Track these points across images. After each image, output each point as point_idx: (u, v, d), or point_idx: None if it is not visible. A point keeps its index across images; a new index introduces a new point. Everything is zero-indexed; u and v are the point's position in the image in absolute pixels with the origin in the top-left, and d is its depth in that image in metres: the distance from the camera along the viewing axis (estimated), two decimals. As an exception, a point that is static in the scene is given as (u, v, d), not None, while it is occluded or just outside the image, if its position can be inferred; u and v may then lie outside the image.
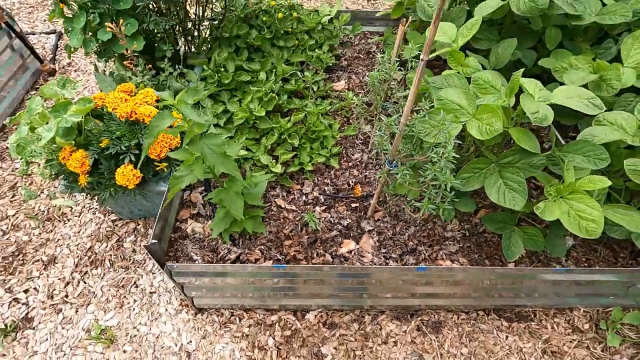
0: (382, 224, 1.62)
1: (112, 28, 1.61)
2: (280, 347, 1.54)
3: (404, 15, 2.23)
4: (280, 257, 1.50)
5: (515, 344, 1.57)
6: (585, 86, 1.50)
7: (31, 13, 3.36)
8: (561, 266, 1.57)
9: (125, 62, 1.73)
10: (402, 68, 1.51)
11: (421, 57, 1.03)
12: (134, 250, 1.83)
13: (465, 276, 1.33)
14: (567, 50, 1.83)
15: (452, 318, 1.61)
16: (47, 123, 1.48)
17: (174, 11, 1.81)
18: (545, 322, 1.62)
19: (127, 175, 1.42)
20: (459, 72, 1.61)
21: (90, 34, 1.82)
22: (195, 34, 2.06)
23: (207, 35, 2.14)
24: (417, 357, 1.54)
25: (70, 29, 1.79)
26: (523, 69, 1.29)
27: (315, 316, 1.64)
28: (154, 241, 1.30)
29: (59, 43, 3.03)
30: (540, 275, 1.38)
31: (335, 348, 1.57)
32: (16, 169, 2.18)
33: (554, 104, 1.27)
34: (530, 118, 1.17)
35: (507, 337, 1.59)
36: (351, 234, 1.60)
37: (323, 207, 1.68)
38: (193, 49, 2.09)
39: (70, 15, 1.79)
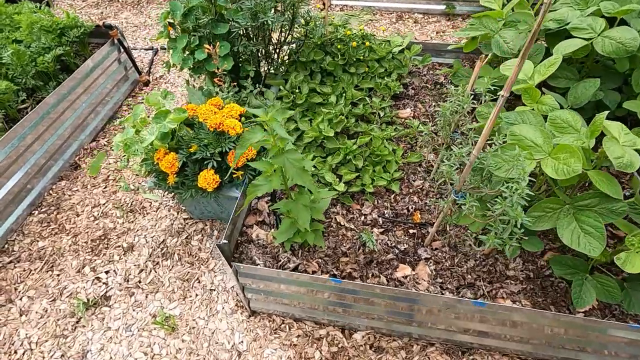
0: (439, 254, 1.61)
1: (209, 49, 1.83)
2: (326, 361, 1.57)
3: (477, 50, 2.25)
4: (336, 273, 1.55)
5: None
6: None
7: (135, 32, 3.87)
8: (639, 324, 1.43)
9: (215, 79, 1.94)
10: (475, 101, 1.53)
11: (501, 93, 1.06)
12: (199, 249, 2.00)
13: (525, 318, 1.28)
14: (658, 94, 1.73)
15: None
16: (147, 127, 1.71)
17: (261, 37, 2.01)
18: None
19: (208, 179, 1.58)
20: (533, 109, 1.59)
21: (188, 53, 2.08)
22: (275, 57, 2.26)
23: (285, 59, 2.33)
24: (466, 397, 1.48)
25: (172, 48, 2.06)
26: (607, 111, 1.25)
27: (363, 337, 1.65)
28: (225, 241, 1.42)
29: (154, 58, 3.45)
30: (612, 331, 1.28)
31: (380, 372, 1.56)
32: (109, 164, 2.50)
33: (641, 149, 1.21)
34: (613, 162, 1.13)
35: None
36: (407, 260, 1.61)
37: (381, 230, 1.71)
38: (271, 70, 2.28)
39: (174, 37, 2.07)
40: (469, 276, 1.53)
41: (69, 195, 2.29)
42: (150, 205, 2.21)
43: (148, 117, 1.85)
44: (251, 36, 2.01)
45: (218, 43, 1.85)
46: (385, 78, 2.32)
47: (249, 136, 1.10)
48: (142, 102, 2.86)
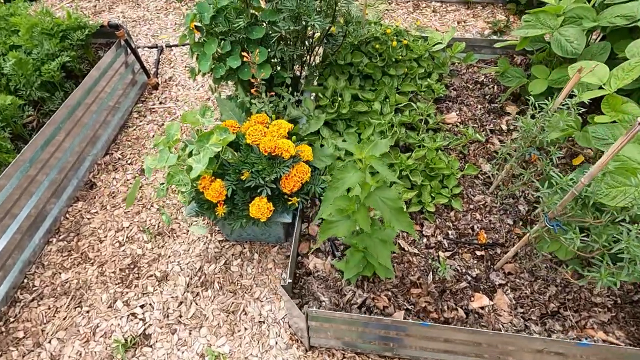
0: (515, 279, 1.49)
1: (247, 57, 1.63)
2: (399, 400, 1.45)
3: (526, 51, 2.09)
4: (409, 307, 1.42)
5: None
6: None
7: (134, 27, 3.57)
8: None
9: (252, 90, 1.75)
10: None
11: (638, 120, 0.91)
12: (240, 275, 1.84)
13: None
14: None
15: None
16: (178, 147, 1.52)
17: (300, 41, 1.82)
18: None
19: (262, 208, 1.41)
20: (614, 121, 1.46)
21: (216, 60, 1.87)
22: (309, 60, 2.06)
23: (317, 62, 2.14)
24: None
25: (200, 54, 1.85)
26: None
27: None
28: (289, 281, 1.27)
29: (160, 57, 3.19)
30: None
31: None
32: (127, 180, 2.29)
33: None
34: None
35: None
36: (481, 287, 1.48)
37: (447, 253, 1.58)
38: (304, 75, 2.09)
39: (201, 41, 1.85)
40: (552, 305, 1.42)
41: (89, 219, 2.09)
42: (179, 227, 2.04)
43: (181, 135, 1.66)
44: (289, 40, 1.81)
45: (258, 50, 1.65)
46: (428, 80, 2.15)
47: (342, 176, 0.93)
48: (175, 120, 2.60)
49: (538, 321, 1.39)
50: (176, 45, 3.30)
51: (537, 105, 1.36)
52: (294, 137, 1.53)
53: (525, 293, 1.45)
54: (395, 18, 3.52)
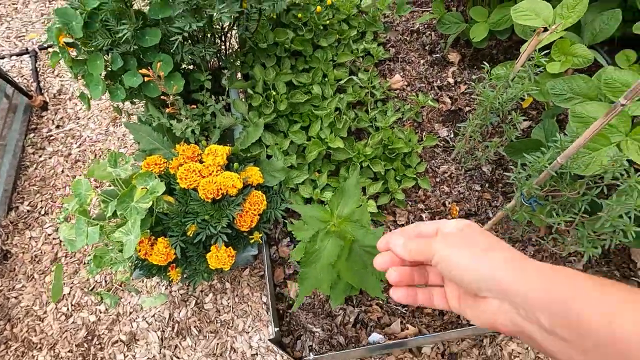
0: (495, 248, 1.49)
1: (149, 74, 1.29)
2: (411, 393, 1.48)
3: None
4: (404, 311, 1.37)
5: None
6: None
7: (-13, 30, 2.81)
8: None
9: (168, 110, 1.43)
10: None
11: (620, 101, 0.81)
12: (217, 311, 1.68)
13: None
14: (662, 10, 1.60)
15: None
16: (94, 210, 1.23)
17: (210, 34, 1.47)
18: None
19: (221, 258, 1.21)
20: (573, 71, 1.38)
21: (110, 80, 1.48)
22: (224, 49, 1.71)
23: (237, 49, 1.80)
24: (545, 374, 1.50)
25: (85, 75, 1.44)
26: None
27: (432, 349, 1.56)
28: (276, 329, 1.14)
29: (37, 66, 2.56)
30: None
31: (461, 379, 1.52)
32: (49, 235, 1.92)
33: None
34: None
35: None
36: (465, 265, 1.47)
37: (426, 239, 1.53)
38: (226, 68, 1.75)
39: (81, 59, 1.44)
40: (533, 265, 1.45)
41: (16, 297, 1.75)
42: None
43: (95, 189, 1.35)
44: (196, 37, 1.46)
45: (160, 63, 1.31)
46: (363, 43, 1.92)
47: (318, 247, 0.77)
48: (82, 176, 2.11)
49: (523, 285, 1.41)
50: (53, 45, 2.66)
51: (491, 72, 1.23)
52: (235, 165, 1.29)
53: (507, 260, 1.46)
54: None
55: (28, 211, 1.99)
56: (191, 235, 1.17)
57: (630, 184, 0.95)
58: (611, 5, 1.69)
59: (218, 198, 1.18)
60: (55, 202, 2.02)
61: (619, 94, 1.20)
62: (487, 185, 1.64)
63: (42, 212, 1.99)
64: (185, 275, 1.29)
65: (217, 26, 1.57)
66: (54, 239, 1.91)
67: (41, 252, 1.87)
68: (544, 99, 1.36)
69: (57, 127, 2.30)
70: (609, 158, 1.02)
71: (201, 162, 1.27)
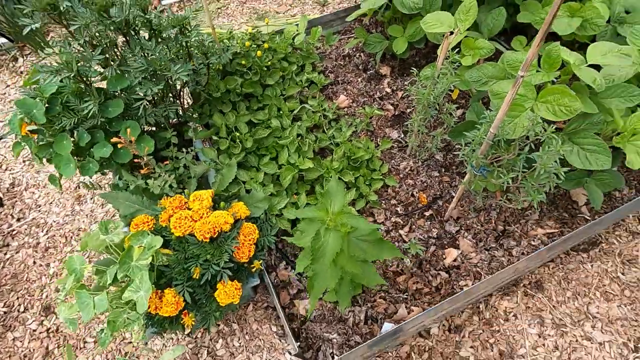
0: (465, 221, 1.68)
1: (120, 140, 1.37)
2: (428, 372, 1.57)
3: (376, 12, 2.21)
4: (405, 296, 1.49)
5: (600, 268, 1.79)
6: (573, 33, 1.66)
7: None
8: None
9: (142, 171, 1.50)
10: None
11: (519, 74, 1.05)
12: (232, 354, 1.68)
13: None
14: (534, 0, 1.98)
15: (545, 271, 1.77)
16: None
17: (169, 95, 1.59)
18: (611, 239, 1.86)
19: (229, 292, 1.27)
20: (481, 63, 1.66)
21: (77, 157, 1.53)
22: (181, 104, 1.83)
23: (192, 103, 1.92)
24: (538, 319, 1.68)
25: (53, 157, 1.48)
26: (558, 42, 1.38)
27: (439, 328, 1.68)
28: (297, 343, 1.21)
29: (-17, 165, 2.48)
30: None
31: (471, 347, 1.64)
32: (34, 330, 1.82)
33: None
34: (593, 87, 1.28)
35: (591, 265, 1.80)
36: (445, 242, 1.64)
37: (406, 229, 1.69)
38: (186, 123, 1.86)
39: (46, 142, 1.48)
40: (499, 226, 1.65)
41: (12, 406, 1.63)
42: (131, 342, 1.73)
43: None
44: (154, 100, 1.57)
45: (129, 130, 1.39)
46: (304, 74, 2.14)
47: (321, 244, 0.88)
48: (73, 253, 2.04)
49: (497, 245, 1.61)
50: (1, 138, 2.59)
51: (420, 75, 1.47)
52: (222, 204, 1.39)
53: (478, 228, 1.66)
54: (232, 15, 3.33)
55: (5, 312, 1.88)
56: (197, 277, 1.22)
57: (548, 135, 1.19)
58: (497, 4, 2.06)
59: (214, 237, 1.25)
60: (33, 295, 1.93)
61: (518, 70, 1.48)
62: (443, 170, 1.86)
63: (21, 310, 1.89)
64: (197, 320, 1.32)
65: (173, 86, 1.69)
66: (40, 333, 1.82)
67: (30, 351, 1.76)
68: (467, 87, 1.63)
69: (18, 220, 2.23)
70: (528, 120, 1.26)
71: (189, 209, 1.35)
